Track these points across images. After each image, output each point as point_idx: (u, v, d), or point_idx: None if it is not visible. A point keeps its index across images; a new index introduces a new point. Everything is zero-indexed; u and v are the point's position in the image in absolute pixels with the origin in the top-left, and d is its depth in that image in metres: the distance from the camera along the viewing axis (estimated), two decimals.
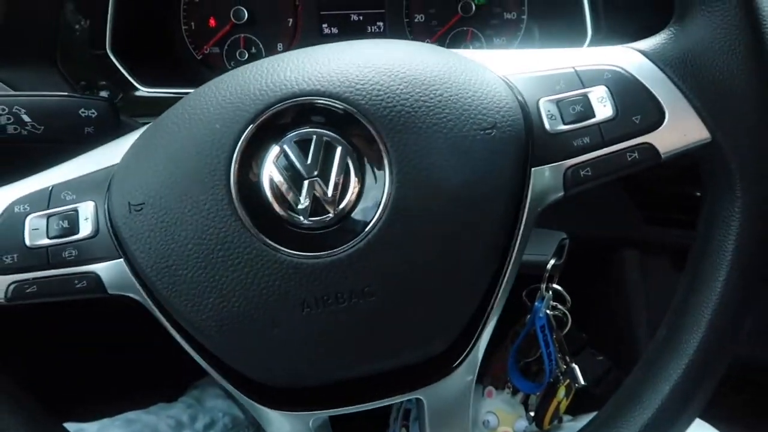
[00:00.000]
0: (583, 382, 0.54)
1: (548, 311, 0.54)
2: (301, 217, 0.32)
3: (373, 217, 0.32)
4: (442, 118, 0.32)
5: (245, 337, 0.32)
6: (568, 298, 0.54)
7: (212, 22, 0.68)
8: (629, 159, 0.34)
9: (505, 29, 0.68)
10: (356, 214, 0.32)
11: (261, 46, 0.68)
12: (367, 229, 0.32)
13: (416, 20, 0.68)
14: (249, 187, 0.32)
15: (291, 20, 0.68)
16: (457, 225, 0.32)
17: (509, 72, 0.36)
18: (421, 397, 0.34)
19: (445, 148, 0.32)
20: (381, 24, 0.68)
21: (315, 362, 0.33)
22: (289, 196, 0.32)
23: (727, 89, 0.34)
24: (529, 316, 0.55)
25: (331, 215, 0.32)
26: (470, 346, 0.34)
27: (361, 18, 0.68)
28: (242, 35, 0.68)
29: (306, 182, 0.32)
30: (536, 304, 0.53)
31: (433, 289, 0.32)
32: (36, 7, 0.56)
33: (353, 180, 0.32)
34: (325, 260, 0.31)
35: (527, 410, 0.58)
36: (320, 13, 0.68)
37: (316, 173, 0.32)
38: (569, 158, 0.34)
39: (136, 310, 0.34)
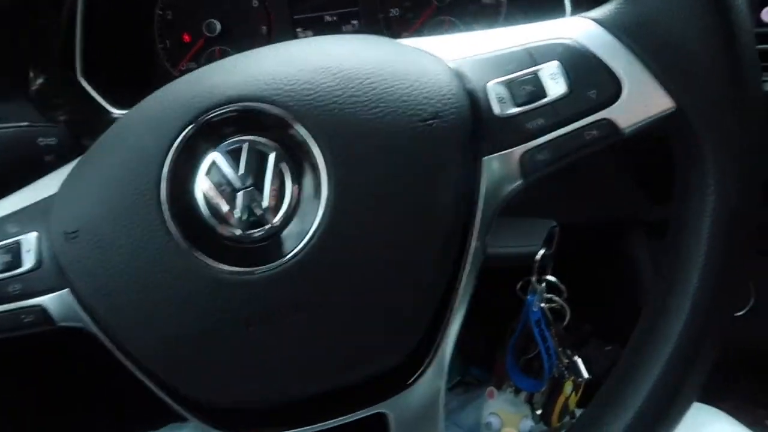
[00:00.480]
0: (586, 376, 0.52)
1: (543, 304, 0.51)
2: (238, 231, 0.30)
3: (312, 224, 0.30)
4: (378, 112, 0.31)
5: (190, 358, 0.31)
6: (564, 288, 0.52)
7: (186, 37, 0.67)
8: (588, 138, 0.31)
9: (484, 15, 0.65)
10: (295, 224, 0.30)
11: None
12: (306, 239, 0.30)
13: (391, 15, 0.66)
14: (181, 203, 0.31)
15: (264, 27, 0.67)
16: (403, 227, 0.30)
17: (456, 56, 0.34)
18: (385, 411, 0.32)
19: (383, 145, 0.30)
20: (355, 22, 0.67)
21: (264, 381, 0.31)
22: (224, 209, 0.30)
23: (689, 52, 0.31)
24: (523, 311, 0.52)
25: (268, 226, 0.30)
26: (432, 352, 0.32)
27: (335, 18, 0.67)
28: (217, 48, 0.67)
29: (240, 194, 0.30)
30: (528, 297, 0.51)
31: (382, 297, 0.30)
32: (4, 35, 0.56)
33: (289, 188, 0.31)
34: (266, 274, 0.30)
35: (533, 409, 0.56)
36: (293, 18, 0.67)
37: (249, 183, 0.30)
38: (523, 143, 0.32)
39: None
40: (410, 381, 0.32)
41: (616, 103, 0.31)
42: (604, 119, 0.31)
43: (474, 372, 0.85)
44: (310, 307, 0.30)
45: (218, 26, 0.66)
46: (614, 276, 0.71)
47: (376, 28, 0.66)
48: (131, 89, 0.64)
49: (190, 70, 0.68)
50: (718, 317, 0.32)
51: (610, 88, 0.31)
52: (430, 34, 0.65)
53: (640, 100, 0.31)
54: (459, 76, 0.33)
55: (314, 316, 0.30)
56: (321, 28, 0.66)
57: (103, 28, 0.61)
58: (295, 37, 0.67)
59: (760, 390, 0.72)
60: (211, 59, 0.67)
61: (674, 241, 0.33)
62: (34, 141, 0.43)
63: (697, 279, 0.32)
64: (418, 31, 0.66)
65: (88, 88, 0.58)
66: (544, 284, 0.51)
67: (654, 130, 0.32)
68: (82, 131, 0.51)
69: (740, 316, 0.64)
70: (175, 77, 0.67)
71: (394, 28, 0.66)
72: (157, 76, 0.68)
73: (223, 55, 0.67)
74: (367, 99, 0.31)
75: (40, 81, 0.58)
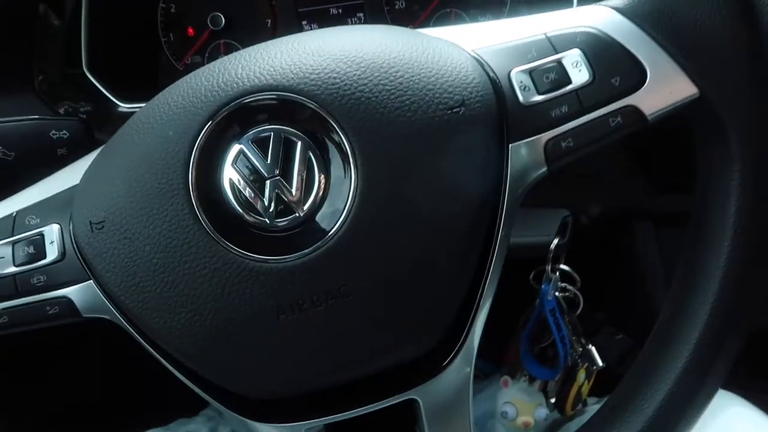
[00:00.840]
0: (601, 364, 0.52)
1: (557, 293, 0.52)
2: (267, 220, 0.30)
3: (342, 212, 0.30)
4: (405, 101, 0.31)
5: (221, 349, 0.31)
6: (578, 277, 0.52)
7: (191, 31, 0.67)
8: (612, 124, 0.32)
9: (489, 6, 0.65)
10: (324, 211, 0.30)
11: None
12: (336, 226, 0.30)
13: (397, 7, 0.66)
14: (209, 193, 0.31)
15: (269, 21, 0.67)
16: (432, 213, 0.30)
17: (477, 45, 0.34)
18: (416, 397, 0.32)
19: (411, 133, 0.30)
20: (361, 15, 0.66)
21: (296, 370, 0.31)
22: (252, 199, 0.30)
23: (712, 39, 0.31)
24: (537, 300, 0.52)
25: (297, 215, 0.30)
26: (462, 339, 0.32)
27: (340, 11, 0.66)
28: (222, 41, 0.67)
29: (268, 182, 0.30)
30: (543, 287, 0.51)
31: (413, 283, 0.30)
32: (8, 30, 0.55)
33: (317, 176, 0.30)
34: (296, 262, 0.30)
35: (547, 397, 0.56)
36: (298, 10, 0.66)
37: (277, 172, 0.30)
38: (548, 130, 0.32)
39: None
40: (440, 368, 0.32)
41: (640, 90, 0.31)
42: (629, 106, 0.32)
43: (479, 365, 0.85)
44: (340, 295, 0.30)
45: (223, 19, 0.65)
46: (623, 265, 0.71)
47: (382, 20, 0.66)
48: (136, 83, 0.63)
49: (194, 63, 0.69)
50: (744, 303, 0.32)
51: (633, 75, 0.32)
52: (435, 26, 0.66)
53: (664, 86, 0.31)
54: (482, 64, 0.33)
55: (344, 304, 0.30)
56: (326, 20, 0.66)
57: (107, 22, 0.61)
58: (300, 30, 0.66)
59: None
60: (215, 53, 0.67)
61: (698, 228, 0.33)
62: (47, 134, 0.43)
63: (723, 267, 0.32)
64: (423, 23, 0.66)
65: (95, 82, 0.57)
66: (558, 273, 0.51)
67: (677, 118, 0.33)
68: (93, 124, 0.50)
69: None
70: (179, 71, 0.68)
71: (399, 21, 0.66)
72: (161, 70, 0.67)
73: (228, 48, 0.67)
74: (393, 88, 0.31)
75: (45, 75, 0.57)
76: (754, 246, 0.32)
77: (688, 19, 0.31)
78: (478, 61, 0.33)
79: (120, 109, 0.58)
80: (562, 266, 0.51)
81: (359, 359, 0.31)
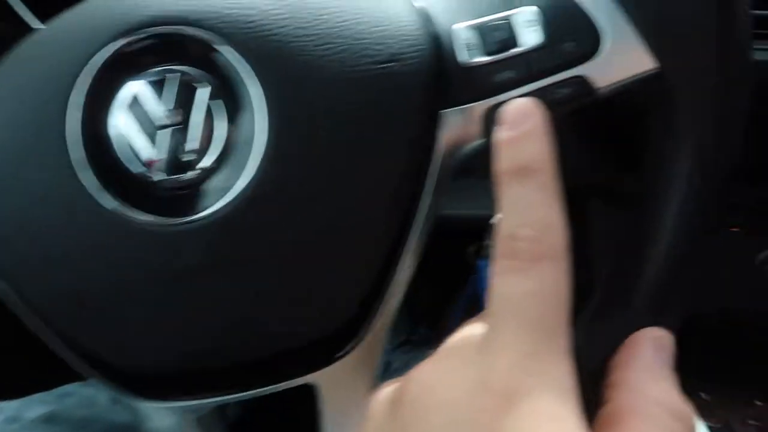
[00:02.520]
0: None
1: None
2: (159, 175, 0.26)
3: (248, 170, 0.26)
4: (329, 49, 0.27)
5: (107, 319, 0.27)
6: None
7: None
8: (558, 96, 0.28)
9: None
10: (227, 168, 0.27)
11: None
12: (238, 189, 0.26)
13: None
14: (94, 141, 0.26)
15: None
16: (348, 179, 0.27)
17: None
18: (315, 382, 0.29)
19: (333, 85, 0.27)
20: None
21: (185, 343, 0.28)
22: (144, 150, 0.26)
23: (678, 10, 0.28)
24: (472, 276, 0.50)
25: (195, 171, 0.27)
26: (368, 323, 0.29)
27: None
28: None
29: (163, 132, 0.26)
30: (479, 262, 0.48)
31: (319, 261, 0.27)
32: None
33: (221, 127, 0.27)
34: (194, 225, 0.26)
35: None
36: None
37: (175, 120, 0.26)
38: (487, 97, 0.29)
39: None
40: (342, 353, 0.29)
41: (594, 59, 0.28)
42: (579, 77, 0.28)
43: (421, 331, 0.84)
44: (239, 263, 0.26)
45: None
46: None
47: None
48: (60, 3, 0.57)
49: None
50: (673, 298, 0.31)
51: (589, 41, 0.28)
52: None
53: (620, 57, 0.28)
54: (424, 16, 0.29)
55: (242, 273, 0.27)
56: None
57: None
58: None
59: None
60: None
61: (644, 210, 0.31)
62: None
63: (663, 252, 0.30)
64: None
65: None
66: None
67: (629, 92, 0.30)
68: (4, 46, 0.45)
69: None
70: None
71: None
72: None
73: None
74: (316, 33, 0.27)
75: None
76: (695, 231, 0.30)
77: None
78: (421, 11, 0.29)
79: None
80: None
81: (251, 338, 0.28)
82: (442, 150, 0.29)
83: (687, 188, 0.29)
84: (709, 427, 0.68)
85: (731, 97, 0.28)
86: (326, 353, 0.29)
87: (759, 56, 0.29)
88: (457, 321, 0.51)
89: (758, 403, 0.70)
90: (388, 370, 0.56)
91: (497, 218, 0.48)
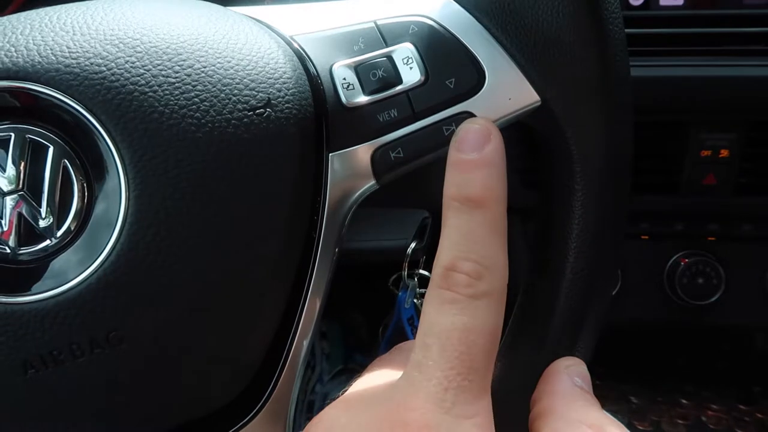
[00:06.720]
0: None
1: (415, 300, 0.48)
2: (7, 248, 0.24)
3: (109, 239, 0.24)
4: (193, 97, 0.24)
5: None
6: None
7: None
8: (446, 133, 0.27)
9: None
10: (85, 237, 0.24)
11: None
12: (102, 256, 0.24)
13: None
14: None
15: None
16: (227, 239, 0.25)
17: (296, 31, 0.28)
18: None
19: (200, 138, 0.24)
20: None
21: None
22: None
23: (554, 40, 0.27)
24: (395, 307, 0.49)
25: (49, 242, 0.24)
26: (273, 381, 0.27)
27: None
28: None
29: (8, 199, 0.23)
30: (399, 294, 0.47)
31: (204, 324, 0.25)
32: None
33: (76, 192, 0.24)
34: (50, 302, 0.23)
35: None
36: None
37: (21, 185, 0.24)
38: (373, 138, 0.27)
39: None
40: (246, 418, 0.27)
41: (478, 95, 0.27)
42: (466, 112, 0.27)
43: (358, 359, 0.82)
44: (109, 342, 0.24)
45: None
46: None
47: None
48: None
49: None
50: (585, 329, 0.30)
51: (471, 77, 0.27)
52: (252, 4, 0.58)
53: (504, 92, 0.27)
54: (299, 55, 0.28)
55: (115, 353, 0.24)
56: None
57: None
58: None
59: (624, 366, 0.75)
60: None
61: (539, 242, 0.31)
62: None
63: (566, 287, 0.29)
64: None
65: None
66: (416, 279, 0.47)
67: (519, 124, 0.29)
68: None
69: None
70: None
71: None
72: None
73: None
74: (179, 80, 0.25)
75: None
76: (598, 253, 0.29)
77: (531, 15, 0.27)
78: (294, 50, 0.28)
79: None
80: (421, 271, 0.48)
81: (140, 419, 0.25)
82: (332, 197, 0.27)
83: (582, 210, 0.29)
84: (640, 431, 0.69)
85: (615, 120, 0.28)
86: (226, 421, 0.26)
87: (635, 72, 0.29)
88: (385, 350, 0.49)
89: (684, 401, 0.71)
90: (325, 402, 0.53)
91: (411, 248, 0.46)
